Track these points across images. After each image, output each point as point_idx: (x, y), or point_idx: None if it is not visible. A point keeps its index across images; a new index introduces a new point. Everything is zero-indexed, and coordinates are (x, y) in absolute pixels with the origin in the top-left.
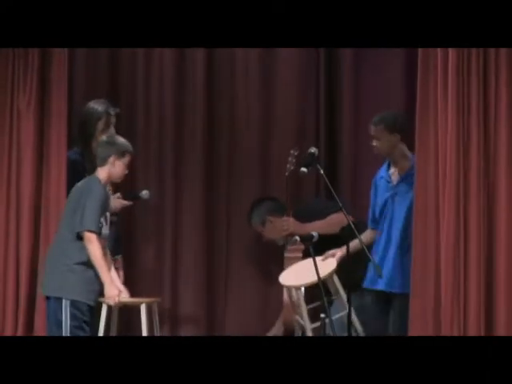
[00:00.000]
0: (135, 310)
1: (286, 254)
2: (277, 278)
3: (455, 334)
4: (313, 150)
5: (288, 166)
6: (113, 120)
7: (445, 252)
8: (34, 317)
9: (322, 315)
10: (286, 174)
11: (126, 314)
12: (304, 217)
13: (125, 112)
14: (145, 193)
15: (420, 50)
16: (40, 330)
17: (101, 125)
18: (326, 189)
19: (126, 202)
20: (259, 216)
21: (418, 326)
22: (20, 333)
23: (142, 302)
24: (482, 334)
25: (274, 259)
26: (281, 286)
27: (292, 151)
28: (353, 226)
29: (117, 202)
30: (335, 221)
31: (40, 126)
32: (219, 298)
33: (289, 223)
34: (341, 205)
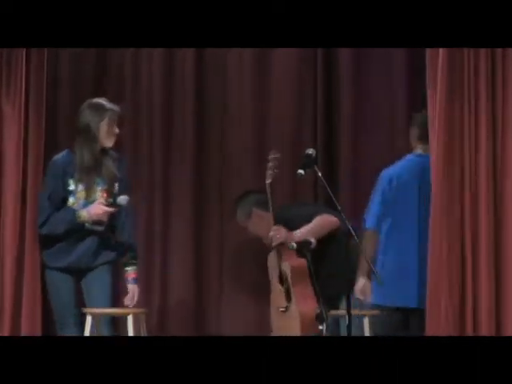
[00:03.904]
0: (121, 321)
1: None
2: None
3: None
4: (310, 151)
5: (269, 172)
6: (115, 119)
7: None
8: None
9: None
10: (268, 181)
11: (112, 325)
12: (287, 224)
13: None
14: (122, 198)
15: (428, 50)
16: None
17: (104, 126)
18: (325, 192)
19: (108, 209)
20: (244, 208)
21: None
22: (6, 333)
23: (128, 313)
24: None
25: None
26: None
27: (271, 155)
28: (352, 231)
29: (98, 208)
30: (325, 221)
31: (25, 128)
32: (210, 309)
33: (280, 232)
34: (339, 208)
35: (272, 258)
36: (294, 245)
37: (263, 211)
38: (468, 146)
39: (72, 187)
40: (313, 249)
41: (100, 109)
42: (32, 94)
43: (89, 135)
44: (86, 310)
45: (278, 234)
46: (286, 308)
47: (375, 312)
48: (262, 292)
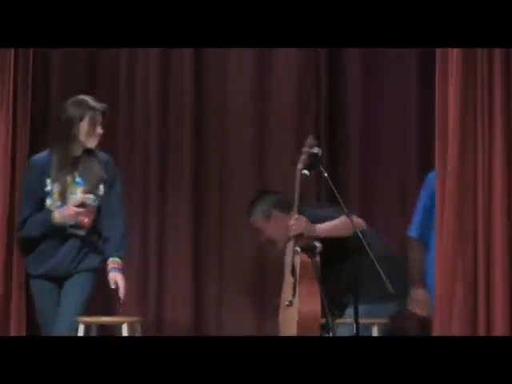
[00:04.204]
0: (116, 330)
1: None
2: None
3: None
4: (315, 150)
5: (302, 157)
6: (99, 118)
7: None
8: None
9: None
10: (299, 166)
11: (106, 334)
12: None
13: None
14: (90, 197)
15: (438, 51)
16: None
17: (85, 126)
18: (330, 194)
19: (78, 210)
20: (264, 209)
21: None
22: None
23: (123, 322)
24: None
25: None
26: None
27: (308, 140)
28: (361, 236)
29: (69, 209)
30: (346, 222)
31: (14, 128)
32: (209, 318)
33: (300, 222)
34: (346, 211)
35: (289, 249)
36: (299, 249)
37: (283, 213)
38: (482, 148)
39: (48, 188)
40: (319, 252)
41: (82, 106)
42: (20, 95)
43: (67, 133)
44: (78, 318)
45: (298, 223)
46: (290, 303)
47: (384, 321)
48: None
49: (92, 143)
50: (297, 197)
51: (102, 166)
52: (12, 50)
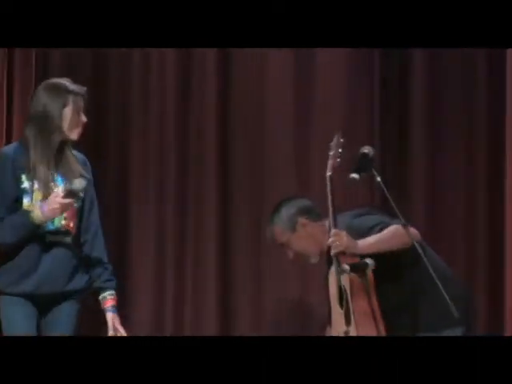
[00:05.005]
0: None
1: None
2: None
3: None
4: (366, 149)
5: (330, 161)
6: (81, 104)
7: None
8: None
9: None
10: (329, 173)
11: None
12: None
13: (115, 121)
14: (77, 181)
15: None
16: None
17: (68, 113)
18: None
19: (65, 201)
20: (289, 217)
21: None
22: None
23: None
24: None
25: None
26: None
27: (334, 139)
28: (420, 251)
29: (53, 202)
30: (398, 234)
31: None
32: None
33: (340, 238)
34: (403, 222)
35: (332, 273)
36: (347, 267)
37: (312, 221)
38: None
39: (26, 185)
40: (372, 270)
41: (62, 91)
42: (20, 95)
43: (46, 124)
44: None
45: (338, 239)
46: (346, 333)
47: None
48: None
49: (74, 135)
50: (331, 209)
51: (81, 164)
52: (12, 50)
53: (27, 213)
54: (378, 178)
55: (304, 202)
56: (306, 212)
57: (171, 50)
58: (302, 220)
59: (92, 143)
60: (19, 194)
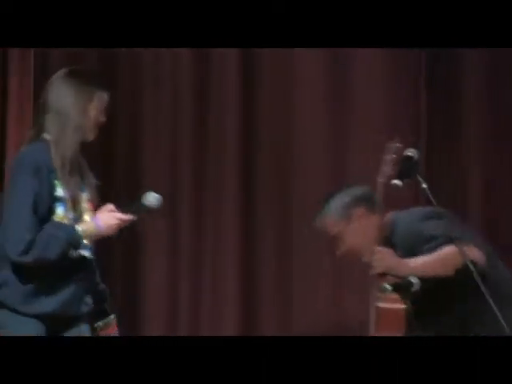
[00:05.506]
0: None
1: (379, 304)
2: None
3: None
4: (410, 152)
5: (384, 168)
6: (105, 100)
7: None
8: None
9: None
10: (381, 180)
11: None
12: (399, 243)
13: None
14: (152, 198)
15: None
16: None
17: (94, 110)
18: None
19: (126, 217)
20: (341, 205)
21: None
22: None
23: None
24: None
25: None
26: None
27: (390, 144)
28: (472, 268)
29: (110, 217)
30: (452, 256)
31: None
32: None
33: (385, 256)
34: (467, 239)
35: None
36: (388, 287)
37: (370, 212)
38: None
39: (60, 193)
40: (416, 291)
41: (87, 84)
42: (20, 95)
43: (69, 120)
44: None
45: (382, 257)
46: None
47: None
48: None
49: (92, 135)
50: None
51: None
52: (12, 50)
53: (70, 227)
54: (424, 185)
55: (364, 190)
56: (364, 201)
57: (185, 51)
58: (358, 210)
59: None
60: (52, 202)
